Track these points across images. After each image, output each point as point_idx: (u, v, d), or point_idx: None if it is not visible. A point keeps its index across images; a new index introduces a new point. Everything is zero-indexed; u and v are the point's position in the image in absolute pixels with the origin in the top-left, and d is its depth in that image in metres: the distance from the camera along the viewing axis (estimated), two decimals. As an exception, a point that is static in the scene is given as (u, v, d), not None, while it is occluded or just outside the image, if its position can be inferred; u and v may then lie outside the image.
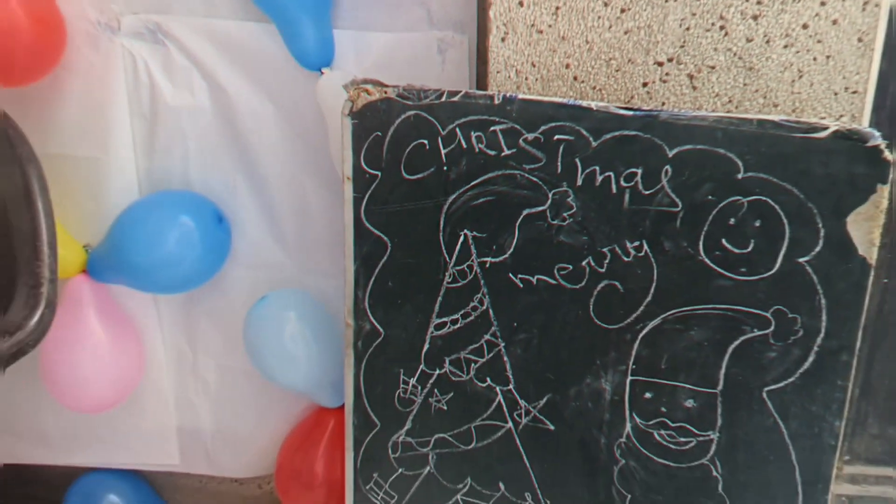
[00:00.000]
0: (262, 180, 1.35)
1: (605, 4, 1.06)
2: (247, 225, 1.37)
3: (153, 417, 1.45)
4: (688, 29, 1.06)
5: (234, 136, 1.33)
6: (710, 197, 0.96)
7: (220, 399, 1.45)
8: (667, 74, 1.09)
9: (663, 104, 1.09)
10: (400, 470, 1.16)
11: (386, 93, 1.07)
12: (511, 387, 1.09)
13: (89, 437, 1.46)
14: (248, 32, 1.28)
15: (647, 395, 1.04)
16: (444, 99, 1.05)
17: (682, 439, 1.04)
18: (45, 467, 1.51)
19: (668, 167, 0.97)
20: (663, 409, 1.04)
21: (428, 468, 1.15)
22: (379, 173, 1.09)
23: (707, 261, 0.99)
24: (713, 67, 1.07)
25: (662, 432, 1.05)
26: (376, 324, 1.13)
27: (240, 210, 1.36)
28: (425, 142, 1.06)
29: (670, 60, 1.08)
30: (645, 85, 1.10)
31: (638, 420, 1.05)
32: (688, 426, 1.04)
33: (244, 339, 1.34)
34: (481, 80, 1.23)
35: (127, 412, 1.42)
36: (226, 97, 1.31)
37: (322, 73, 1.25)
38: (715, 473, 1.05)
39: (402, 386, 1.14)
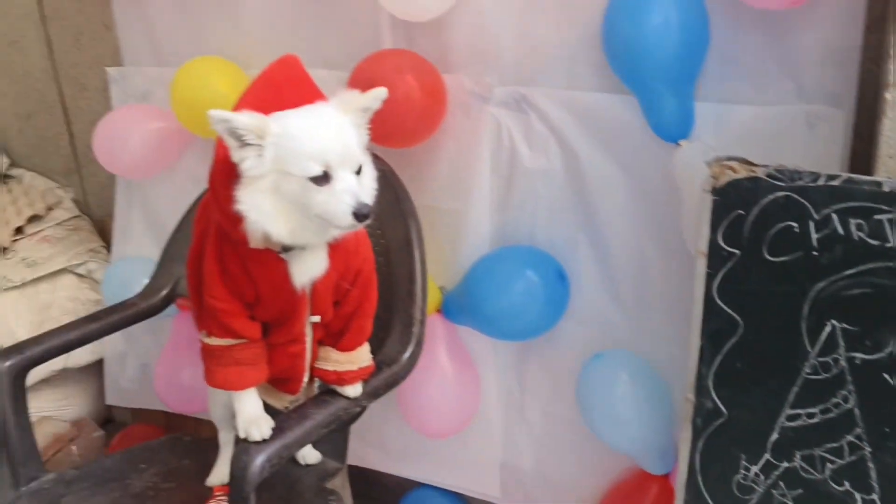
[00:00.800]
0: (604, 243, 1.40)
1: None
2: (585, 283, 1.43)
3: (481, 449, 1.58)
4: None
5: (581, 198, 1.41)
6: None
7: (542, 443, 1.54)
8: None
9: None
10: (734, 557, 1.13)
11: (753, 171, 1.05)
12: (875, 496, 1.00)
13: (425, 457, 1.64)
14: (606, 103, 1.35)
15: None
16: (820, 182, 1.01)
17: None
18: (384, 474, 1.72)
19: None
20: None
21: (767, 563, 1.10)
22: (737, 251, 1.07)
23: None
24: None
25: None
26: (719, 403, 1.11)
27: (579, 268, 1.43)
28: (794, 224, 1.03)
29: None
30: None
31: None
32: None
33: (576, 391, 1.41)
34: (857, 158, 1.16)
35: (460, 441, 1.57)
36: (578, 162, 1.39)
37: (679, 144, 1.26)
38: None
39: (742, 471, 1.11)
